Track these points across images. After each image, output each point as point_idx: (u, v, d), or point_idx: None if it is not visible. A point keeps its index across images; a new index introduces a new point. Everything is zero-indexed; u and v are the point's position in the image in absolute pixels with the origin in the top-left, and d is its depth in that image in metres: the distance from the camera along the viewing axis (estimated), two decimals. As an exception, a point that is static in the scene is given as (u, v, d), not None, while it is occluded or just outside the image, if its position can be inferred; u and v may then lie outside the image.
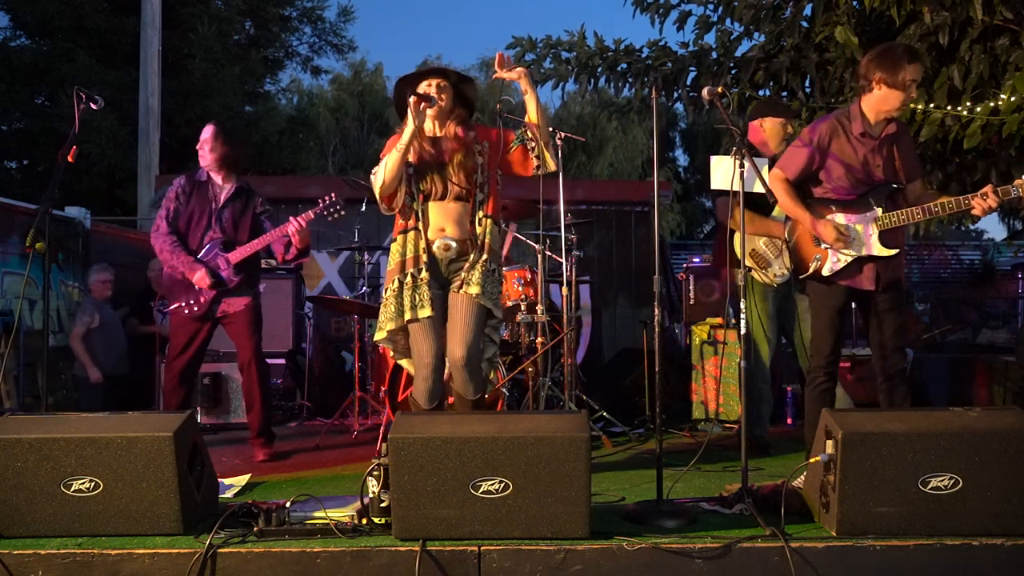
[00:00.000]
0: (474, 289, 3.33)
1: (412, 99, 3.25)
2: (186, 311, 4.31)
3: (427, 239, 3.37)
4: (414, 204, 3.38)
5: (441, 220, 3.38)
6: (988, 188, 3.29)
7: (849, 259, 3.46)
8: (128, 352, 6.08)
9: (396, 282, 3.37)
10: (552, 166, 3.43)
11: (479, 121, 3.43)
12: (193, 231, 4.36)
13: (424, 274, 3.34)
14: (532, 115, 3.39)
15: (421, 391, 3.39)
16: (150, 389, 6.08)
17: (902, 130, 3.55)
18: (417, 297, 3.32)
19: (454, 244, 3.37)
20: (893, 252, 3.42)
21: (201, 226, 4.36)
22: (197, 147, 4.43)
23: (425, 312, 3.31)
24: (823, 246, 3.50)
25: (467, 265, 3.38)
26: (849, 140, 3.45)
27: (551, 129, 3.46)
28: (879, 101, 3.39)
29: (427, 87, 3.39)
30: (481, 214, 3.41)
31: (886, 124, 3.46)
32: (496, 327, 3.56)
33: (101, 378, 5.71)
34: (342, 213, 4.27)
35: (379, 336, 3.45)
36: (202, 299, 4.30)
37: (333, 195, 4.30)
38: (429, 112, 3.36)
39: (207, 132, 4.40)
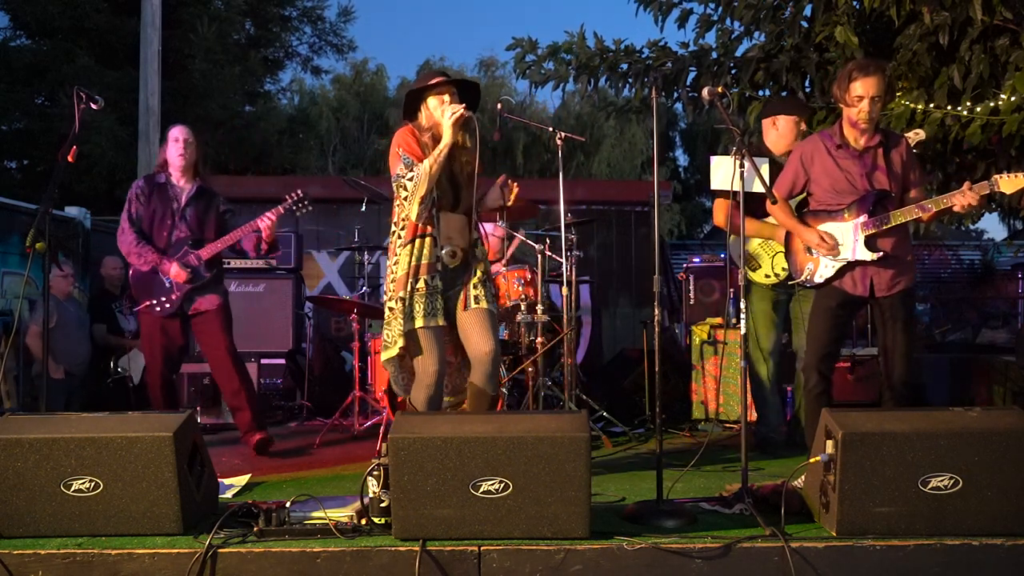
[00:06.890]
0: (486, 304, 3.43)
1: (457, 115, 3.28)
2: (157, 309, 4.30)
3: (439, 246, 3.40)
4: (431, 210, 3.39)
5: (448, 229, 3.40)
6: (965, 185, 3.38)
7: (838, 265, 3.55)
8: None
9: (408, 287, 3.32)
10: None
11: (478, 120, 3.44)
12: (157, 231, 4.36)
13: (438, 281, 3.36)
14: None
15: (422, 399, 3.35)
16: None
17: (891, 141, 3.61)
18: (431, 305, 3.32)
19: (459, 252, 3.41)
20: (876, 255, 3.47)
21: (165, 225, 4.36)
22: (167, 147, 4.40)
23: (440, 321, 3.33)
24: (814, 254, 3.60)
25: (474, 279, 3.44)
26: (830, 154, 3.60)
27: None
28: (845, 117, 3.58)
29: (441, 97, 3.39)
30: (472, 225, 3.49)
31: (868, 136, 3.54)
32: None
33: (63, 374, 5.51)
34: (309, 208, 4.35)
35: (388, 355, 3.37)
36: (173, 296, 4.30)
37: (299, 192, 4.34)
38: (450, 121, 3.32)
39: (184, 134, 4.38)
